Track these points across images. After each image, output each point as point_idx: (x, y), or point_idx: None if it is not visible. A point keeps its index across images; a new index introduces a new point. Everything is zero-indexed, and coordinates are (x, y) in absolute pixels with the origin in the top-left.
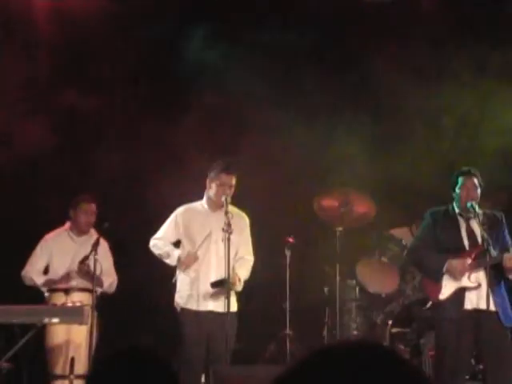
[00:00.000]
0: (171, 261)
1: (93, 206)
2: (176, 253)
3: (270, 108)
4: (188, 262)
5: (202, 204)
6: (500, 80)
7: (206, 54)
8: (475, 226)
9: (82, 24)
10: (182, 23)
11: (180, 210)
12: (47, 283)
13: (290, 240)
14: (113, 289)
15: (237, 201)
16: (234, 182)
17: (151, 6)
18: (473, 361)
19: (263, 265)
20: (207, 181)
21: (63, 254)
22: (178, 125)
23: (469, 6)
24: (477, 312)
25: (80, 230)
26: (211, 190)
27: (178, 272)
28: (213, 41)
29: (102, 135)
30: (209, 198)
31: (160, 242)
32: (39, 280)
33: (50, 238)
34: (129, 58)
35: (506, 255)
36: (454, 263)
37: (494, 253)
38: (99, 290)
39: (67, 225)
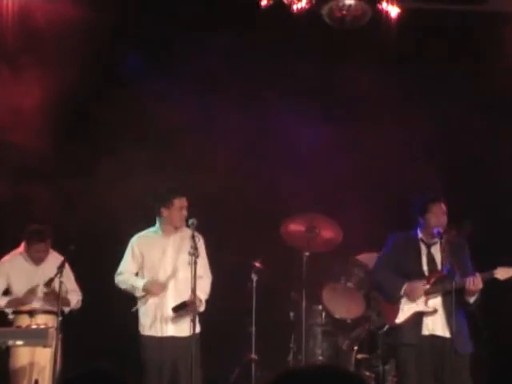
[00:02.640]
0: (137, 293)
1: (46, 244)
2: (140, 283)
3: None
4: (156, 290)
5: (155, 230)
6: None
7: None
8: (436, 253)
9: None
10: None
11: (134, 239)
12: (10, 304)
13: (257, 264)
14: (79, 305)
15: (205, 224)
16: (185, 204)
17: None
18: None
19: (230, 289)
20: (157, 207)
21: (21, 276)
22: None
23: None
24: (433, 338)
25: (34, 261)
26: (166, 215)
27: (139, 299)
28: None
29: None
30: (164, 223)
31: (123, 277)
32: (1, 302)
33: (5, 260)
34: None
35: (470, 278)
36: (412, 285)
37: (453, 281)
38: (67, 309)
39: (22, 247)
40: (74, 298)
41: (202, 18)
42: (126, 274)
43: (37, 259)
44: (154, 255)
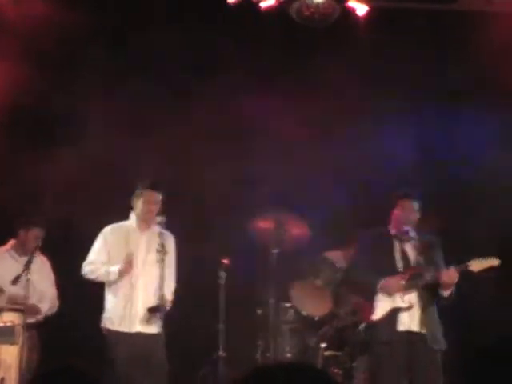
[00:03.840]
0: (112, 277)
1: (43, 232)
2: (114, 268)
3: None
4: (127, 268)
5: (129, 223)
6: None
7: None
8: (409, 249)
9: None
10: None
11: (107, 229)
12: None
13: (225, 262)
14: (54, 310)
15: (171, 221)
16: (159, 199)
17: None
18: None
19: (198, 286)
20: (133, 199)
21: (5, 274)
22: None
23: None
24: (409, 334)
25: (25, 251)
26: (137, 207)
27: (106, 293)
28: None
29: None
30: (137, 217)
31: (93, 267)
32: None
33: None
34: None
35: (443, 271)
36: (388, 281)
37: (428, 275)
38: (39, 316)
39: (10, 244)
40: (45, 304)
41: (171, 14)
42: (96, 264)
43: (32, 248)
44: (124, 249)
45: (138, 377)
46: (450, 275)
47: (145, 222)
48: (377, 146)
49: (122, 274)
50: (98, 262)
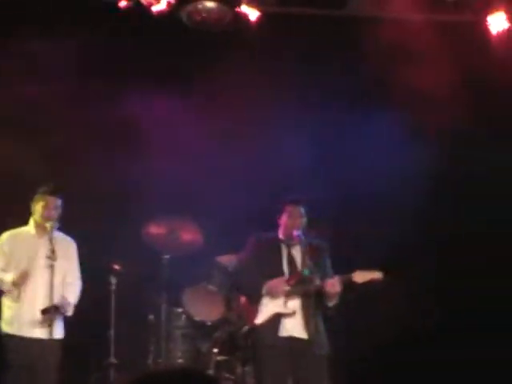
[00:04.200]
0: (5, 286)
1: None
2: (8, 277)
3: None
4: (21, 280)
5: (27, 229)
6: None
7: None
8: (297, 254)
9: None
10: None
11: (4, 236)
12: None
13: (116, 267)
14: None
15: (63, 225)
16: (59, 203)
17: None
18: None
19: (88, 291)
20: (32, 205)
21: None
22: None
23: None
24: (291, 340)
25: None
26: (37, 213)
27: (2, 297)
28: None
29: None
30: (35, 222)
31: None
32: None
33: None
34: None
35: (328, 280)
36: (272, 283)
37: (312, 284)
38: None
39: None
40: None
41: (57, 19)
42: None
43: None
44: (23, 255)
45: (28, 381)
46: (334, 285)
47: (43, 228)
48: (275, 149)
49: (15, 286)
50: None
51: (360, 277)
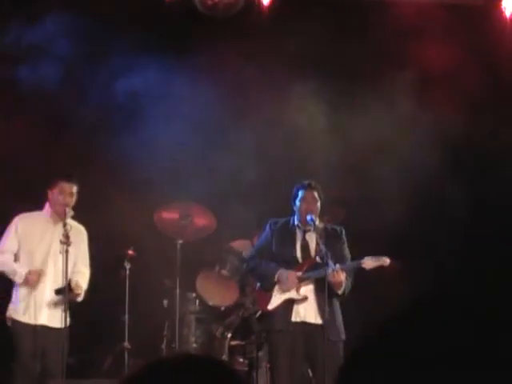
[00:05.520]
0: (17, 278)
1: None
2: (22, 271)
3: None
4: (33, 280)
5: (43, 214)
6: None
7: None
8: (311, 240)
9: None
10: None
11: (18, 219)
12: None
13: (130, 252)
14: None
15: (77, 212)
16: (74, 190)
17: None
18: (310, 372)
19: (102, 277)
20: (49, 190)
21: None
22: None
23: None
24: (305, 325)
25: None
26: (52, 199)
27: (14, 283)
28: None
29: None
30: (51, 208)
31: (4, 257)
32: None
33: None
34: None
35: (330, 271)
36: (285, 274)
37: (331, 265)
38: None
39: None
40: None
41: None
42: (7, 254)
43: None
44: (35, 239)
45: (36, 371)
46: (335, 275)
47: (58, 214)
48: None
49: (27, 283)
50: (8, 250)
51: (369, 263)
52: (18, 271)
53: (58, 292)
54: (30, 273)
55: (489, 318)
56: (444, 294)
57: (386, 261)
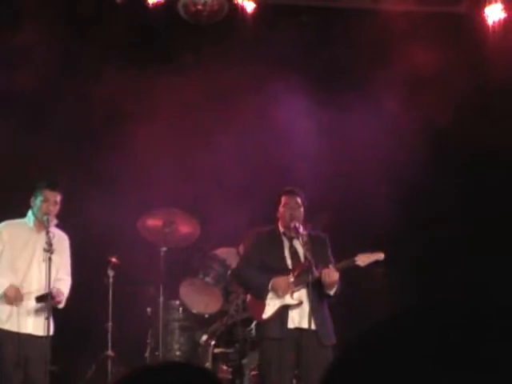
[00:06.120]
0: None
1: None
2: (4, 283)
3: None
4: (12, 297)
5: (26, 222)
6: None
7: None
8: (298, 246)
9: None
10: None
11: (3, 225)
12: None
13: (113, 260)
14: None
15: (60, 219)
16: (58, 199)
17: None
18: (294, 381)
19: (86, 284)
20: (31, 198)
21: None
22: None
23: None
24: (299, 331)
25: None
26: (35, 206)
27: None
28: None
29: None
30: (34, 216)
31: None
32: None
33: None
34: None
35: (324, 270)
36: (278, 280)
37: (316, 272)
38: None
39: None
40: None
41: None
42: None
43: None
44: (18, 247)
45: (19, 380)
46: (330, 275)
47: (42, 222)
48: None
49: (6, 299)
50: None
51: (363, 259)
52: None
53: (38, 299)
54: (8, 290)
55: (478, 323)
56: (434, 301)
57: (381, 255)
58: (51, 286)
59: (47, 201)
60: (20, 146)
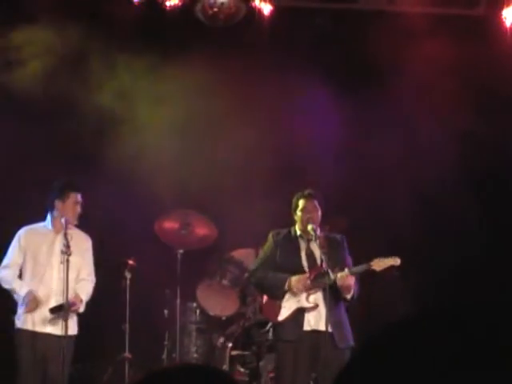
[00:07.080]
0: (17, 298)
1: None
2: (23, 291)
3: None
4: (31, 307)
5: (45, 225)
6: None
7: None
8: (315, 248)
9: None
10: None
11: (22, 232)
12: None
13: (131, 262)
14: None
15: (78, 221)
16: (79, 199)
17: None
18: (311, 383)
19: (103, 287)
20: (50, 201)
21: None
22: None
23: None
24: (315, 333)
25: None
26: (58, 209)
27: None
28: None
29: None
30: (54, 219)
31: (9, 273)
32: None
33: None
34: None
35: (339, 274)
36: (295, 279)
37: (332, 275)
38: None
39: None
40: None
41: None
42: (11, 269)
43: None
44: (40, 251)
45: (40, 377)
46: (345, 280)
47: (60, 224)
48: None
49: (25, 306)
50: (14, 264)
51: (379, 264)
52: (19, 293)
53: (52, 311)
54: (27, 296)
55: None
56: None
57: (397, 260)
58: (71, 289)
59: (71, 202)
60: (30, 145)
